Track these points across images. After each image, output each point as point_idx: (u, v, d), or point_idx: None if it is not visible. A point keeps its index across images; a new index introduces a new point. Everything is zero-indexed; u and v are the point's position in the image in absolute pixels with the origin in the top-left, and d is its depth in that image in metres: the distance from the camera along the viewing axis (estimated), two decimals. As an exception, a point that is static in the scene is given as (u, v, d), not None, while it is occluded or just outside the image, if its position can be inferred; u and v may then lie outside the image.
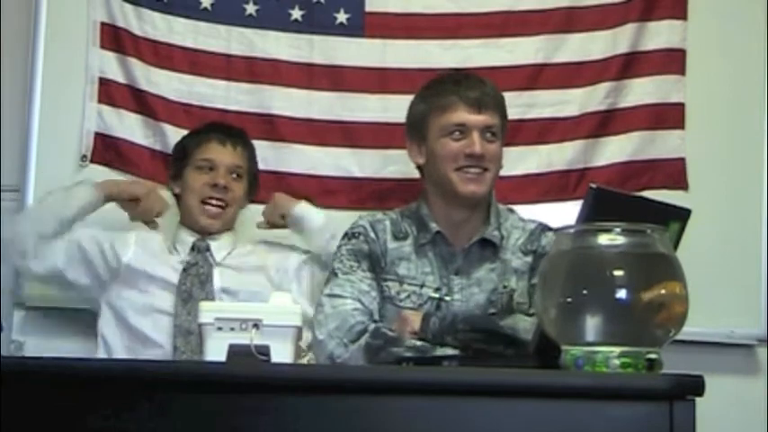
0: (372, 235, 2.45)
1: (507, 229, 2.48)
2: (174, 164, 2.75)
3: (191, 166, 2.69)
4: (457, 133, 2.43)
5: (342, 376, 1.61)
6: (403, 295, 2.41)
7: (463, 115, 2.43)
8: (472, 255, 2.45)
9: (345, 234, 2.48)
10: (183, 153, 2.73)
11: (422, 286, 2.42)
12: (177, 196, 2.75)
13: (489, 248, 2.46)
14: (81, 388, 1.52)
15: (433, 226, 2.45)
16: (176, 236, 2.73)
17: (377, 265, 2.43)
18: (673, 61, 2.94)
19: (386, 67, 2.95)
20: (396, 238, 2.47)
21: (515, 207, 2.67)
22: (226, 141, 2.70)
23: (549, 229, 2.43)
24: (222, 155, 2.68)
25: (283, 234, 2.78)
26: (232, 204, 2.70)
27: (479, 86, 2.46)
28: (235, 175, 2.69)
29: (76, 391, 1.51)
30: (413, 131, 2.52)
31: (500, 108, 2.48)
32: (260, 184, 2.90)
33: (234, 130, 2.76)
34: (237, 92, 2.94)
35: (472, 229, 2.47)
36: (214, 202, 2.67)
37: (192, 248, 2.68)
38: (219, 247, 2.70)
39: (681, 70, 2.94)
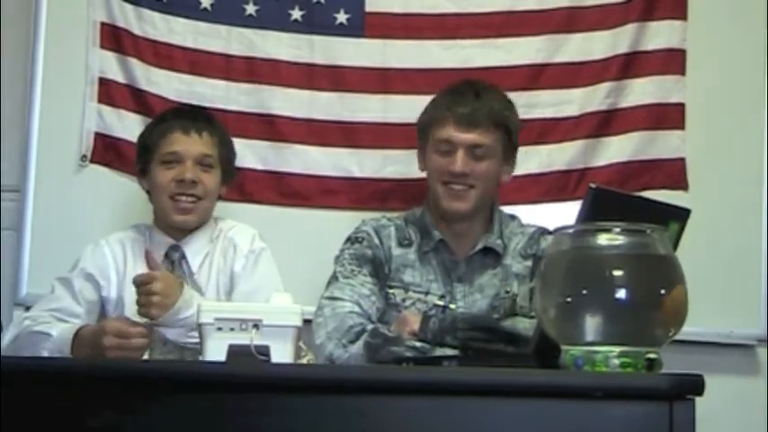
0: (376, 241, 2.45)
1: (508, 236, 2.48)
2: (140, 158, 2.57)
3: (156, 160, 2.50)
4: (444, 149, 2.42)
5: (342, 376, 1.61)
6: (408, 302, 2.41)
7: (450, 132, 2.42)
8: (474, 262, 2.46)
9: (348, 238, 2.48)
10: (146, 146, 2.54)
11: (427, 293, 2.42)
12: (148, 193, 2.57)
13: (491, 256, 2.46)
14: (81, 388, 1.51)
15: (437, 234, 2.45)
16: (151, 237, 2.54)
17: (380, 270, 2.42)
18: (673, 61, 2.93)
19: (386, 67, 2.94)
20: (401, 244, 2.46)
21: (516, 207, 2.68)
22: (190, 129, 2.49)
23: (549, 232, 2.43)
24: (187, 145, 2.48)
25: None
26: (205, 197, 2.49)
27: (473, 103, 2.42)
28: (204, 166, 2.49)
29: (76, 391, 1.51)
30: (420, 140, 2.53)
31: (497, 125, 2.43)
32: (259, 184, 2.90)
33: (199, 114, 2.58)
34: (237, 92, 2.94)
35: (474, 237, 2.47)
36: (183, 198, 2.47)
37: (166, 256, 2.50)
38: (195, 251, 2.51)
39: (681, 70, 2.93)
